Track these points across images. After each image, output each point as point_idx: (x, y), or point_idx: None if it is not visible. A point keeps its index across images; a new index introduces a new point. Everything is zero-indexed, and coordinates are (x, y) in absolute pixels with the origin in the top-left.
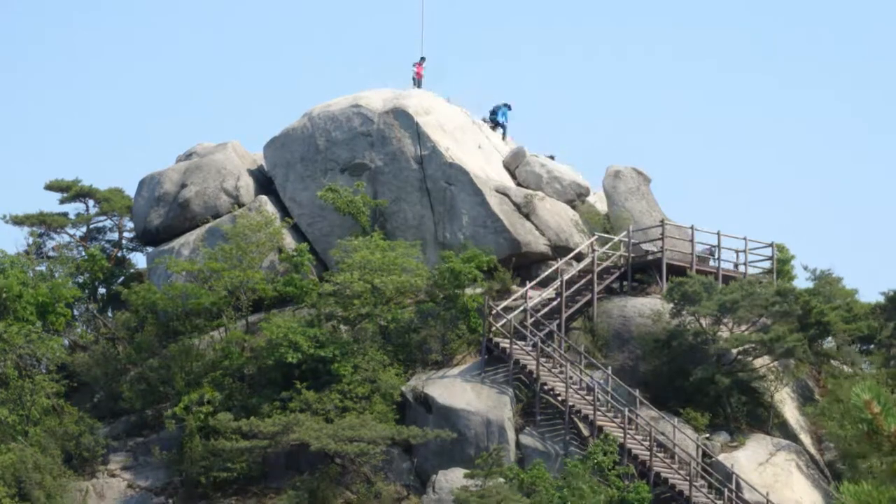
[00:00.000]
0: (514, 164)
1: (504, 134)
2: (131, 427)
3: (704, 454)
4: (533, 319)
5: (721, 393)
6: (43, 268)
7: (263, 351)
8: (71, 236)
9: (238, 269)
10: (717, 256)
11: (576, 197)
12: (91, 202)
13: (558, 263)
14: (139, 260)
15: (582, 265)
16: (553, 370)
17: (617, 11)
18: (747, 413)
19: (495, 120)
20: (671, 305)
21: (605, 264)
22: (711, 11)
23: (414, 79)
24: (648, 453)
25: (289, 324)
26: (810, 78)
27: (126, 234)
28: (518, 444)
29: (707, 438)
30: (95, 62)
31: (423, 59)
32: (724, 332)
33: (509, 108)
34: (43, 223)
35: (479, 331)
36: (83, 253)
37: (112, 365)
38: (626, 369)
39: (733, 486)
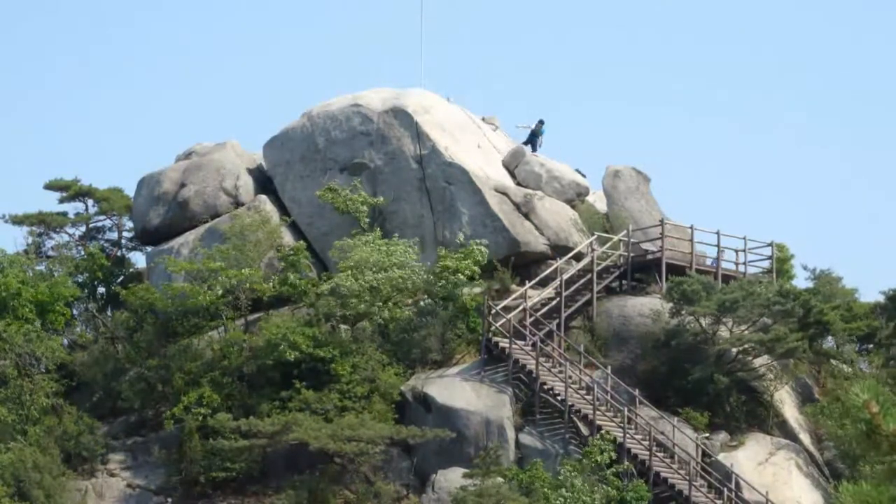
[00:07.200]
0: (513, 164)
1: (536, 147)
2: (130, 426)
3: (704, 453)
4: (532, 319)
5: (720, 392)
6: (42, 267)
7: (262, 350)
8: (70, 236)
9: (236, 268)
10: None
11: (575, 196)
12: (90, 202)
13: (558, 263)
14: (138, 259)
15: (581, 265)
16: (552, 370)
17: (617, 12)
18: (747, 412)
19: (534, 139)
20: (671, 305)
21: (604, 264)
22: (711, 13)
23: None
24: (648, 453)
25: (287, 323)
26: (810, 77)
27: (125, 234)
28: (517, 444)
29: (706, 438)
30: (95, 62)
31: (541, 121)
32: (723, 332)
33: (543, 122)
34: (42, 222)
35: (479, 330)
36: (82, 252)
37: (111, 364)
38: (626, 369)
39: (733, 486)
